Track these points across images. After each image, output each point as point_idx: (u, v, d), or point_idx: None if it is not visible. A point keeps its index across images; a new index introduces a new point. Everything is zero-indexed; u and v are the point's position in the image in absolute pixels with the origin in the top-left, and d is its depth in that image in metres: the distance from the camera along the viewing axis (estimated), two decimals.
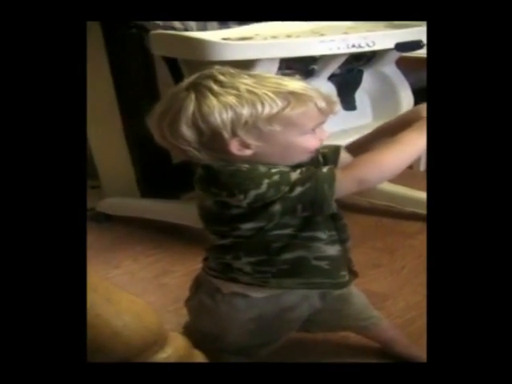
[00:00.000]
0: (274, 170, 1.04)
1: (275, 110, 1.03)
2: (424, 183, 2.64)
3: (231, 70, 1.09)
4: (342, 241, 1.19)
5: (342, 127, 1.97)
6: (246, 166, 1.05)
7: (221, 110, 1.02)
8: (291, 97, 1.04)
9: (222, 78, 1.06)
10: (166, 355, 0.95)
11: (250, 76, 1.08)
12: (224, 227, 1.14)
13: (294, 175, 1.04)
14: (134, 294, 1.68)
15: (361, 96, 2.03)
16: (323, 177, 1.04)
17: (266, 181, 1.03)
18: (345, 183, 1.05)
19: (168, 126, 1.07)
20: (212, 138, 1.05)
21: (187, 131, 1.05)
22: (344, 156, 1.22)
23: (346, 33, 1.77)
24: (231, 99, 1.02)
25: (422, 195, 2.28)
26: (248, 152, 1.06)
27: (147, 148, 2.14)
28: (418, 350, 1.43)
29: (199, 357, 1.04)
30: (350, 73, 1.97)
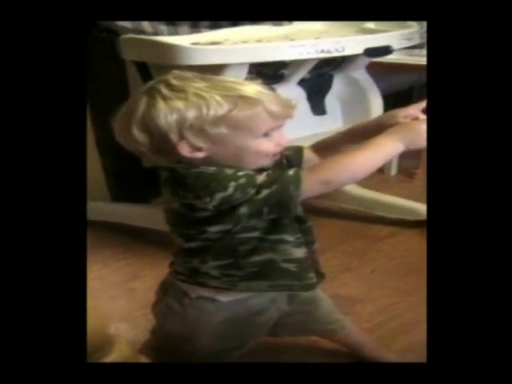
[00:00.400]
0: (240, 173, 1.05)
1: (220, 112, 1.03)
2: (394, 188, 2.68)
3: (187, 75, 1.10)
4: (308, 243, 1.20)
5: (312, 132, 1.98)
6: (213, 168, 1.06)
7: (167, 113, 1.04)
8: (239, 100, 1.05)
9: (174, 82, 1.07)
10: (109, 360, 0.94)
11: (205, 80, 1.09)
12: (191, 230, 1.14)
13: (260, 178, 1.05)
14: (103, 299, 1.67)
15: (331, 101, 2.05)
16: (289, 179, 1.05)
17: (233, 183, 1.04)
18: (311, 185, 1.06)
19: (125, 129, 1.09)
20: (162, 141, 1.06)
21: (139, 134, 1.07)
22: (309, 157, 1.23)
23: (316, 38, 1.78)
24: (178, 103, 1.03)
25: (392, 200, 2.30)
26: (200, 155, 1.07)
27: (117, 152, 2.12)
28: (386, 354, 1.45)
29: (143, 361, 1.05)
30: (320, 77, 1.98)
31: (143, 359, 1.07)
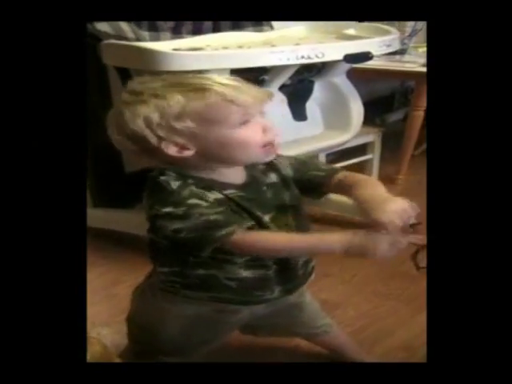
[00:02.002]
0: (190, 202, 1.05)
1: (178, 106, 1.04)
2: None
3: (146, 78, 1.11)
4: (264, 266, 1.17)
5: (293, 137, 2.00)
6: (177, 184, 1.06)
7: (132, 118, 1.04)
8: (194, 92, 1.05)
9: (134, 86, 1.08)
10: None
11: (163, 79, 1.10)
12: (149, 233, 1.17)
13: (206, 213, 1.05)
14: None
15: (312, 106, 2.06)
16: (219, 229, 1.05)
17: (168, 209, 1.05)
18: (240, 245, 1.07)
19: (113, 137, 1.10)
20: (145, 144, 1.06)
21: (124, 142, 1.08)
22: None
23: (296, 44, 1.79)
24: (139, 107, 1.04)
25: None
26: (188, 152, 1.07)
27: (100, 157, 2.14)
28: (368, 357, 1.46)
29: (117, 361, 1.05)
30: (301, 83, 1.99)
31: (116, 360, 1.07)
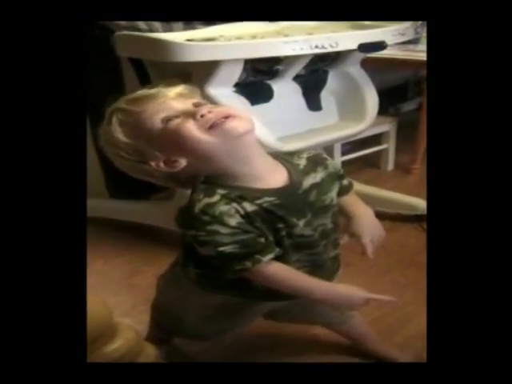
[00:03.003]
0: (209, 228, 1.04)
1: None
2: (390, 182, 2.68)
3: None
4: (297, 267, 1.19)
5: (308, 127, 1.99)
6: (202, 204, 1.05)
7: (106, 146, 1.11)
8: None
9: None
10: (115, 346, 0.96)
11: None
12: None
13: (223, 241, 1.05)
14: (105, 295, 1.69)
15: (326, 96, 2.05)
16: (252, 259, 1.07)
17: (192, 232, 1.07)
18: (255, 279, 1.11)
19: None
20: (144, 165, 1.09)
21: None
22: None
23: (309, 33, 1.78)
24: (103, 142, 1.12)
25: (390, 194, 2.31)
26: (179, 165, 1.07)
27: None
28: (389, 348, 1.46)
29: (150, 349, 1.05)
30: (315, 73, 1.98)
31: (149, 347, 1.08)
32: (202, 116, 1.04)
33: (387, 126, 2.79)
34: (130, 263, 2.04)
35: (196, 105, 1.08)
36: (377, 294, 1.17)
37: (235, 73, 1.68)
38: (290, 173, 1.12)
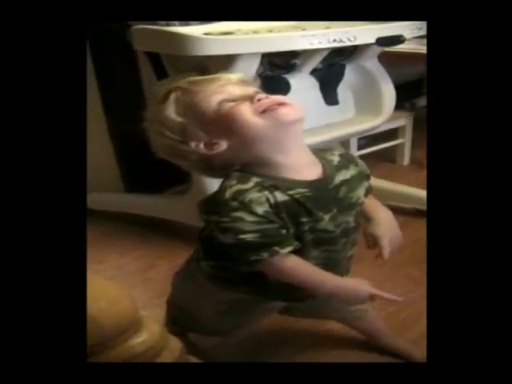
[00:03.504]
0: (234, 215, 1.05)
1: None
2: (406, 177, 2.67)
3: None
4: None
5: (325, 121, 1.99)
6: (233, 190, 1.05)
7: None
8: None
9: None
10: (140, 340, 0.95)
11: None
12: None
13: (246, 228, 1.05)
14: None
15: (343, 90, 2.04)
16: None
17: (214, 218, 1.07)
18: (269, 272, 1.12)
19: None
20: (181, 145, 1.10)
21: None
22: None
23: (327, 27, 1.77)
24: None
25: (405, 189, 2.30)
26: (218, 147, 1.08)
27: (131, 143, 2.15)
28: (403, 342, 1.46)
29: (174, 342, 1.05)
30: (332, 67, 1.97)
31: (173, 340, 1.07)
32: (258, 100, 1.07)
33: (403, 121, 2.78)
34: (145, 257, 2.04)
35: (256, 92, 1.10)
36: (383, 292, 1.19)
37: (252, 67, 1.68)
38: (324, 167, 1.13)
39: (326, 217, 1.12)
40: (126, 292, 0.95)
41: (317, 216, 1.10)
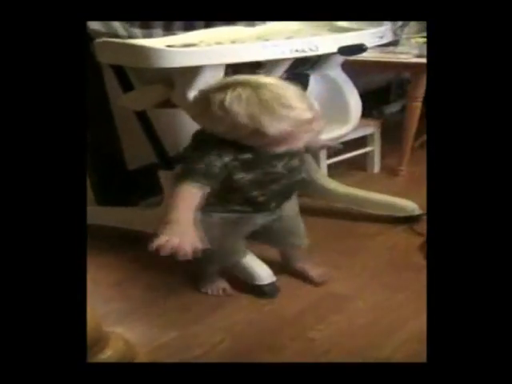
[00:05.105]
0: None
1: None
2: (377, 185, 2.69)
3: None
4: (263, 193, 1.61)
5: None
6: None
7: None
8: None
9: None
10: (105, 356, 0.96)
11: None
12: None
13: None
14: (98, 302, 1.69)
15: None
16: None
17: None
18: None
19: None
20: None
21: None
22: None
23: (289, 37, 1.79)
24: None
25: (379, 197, 2.32)
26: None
27: (101, 155, 2.15)
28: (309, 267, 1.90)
29: (140, 358, 1.05)
30: (296, 77, 1.99)
31: (139, 356, 1.08)
32: None
33: (372, 129, 2.80)
34: (122, 270, 2.04)
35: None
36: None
37: (217, 78, 1.68)
38: None
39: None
40: (89, 310, 0.95)
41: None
